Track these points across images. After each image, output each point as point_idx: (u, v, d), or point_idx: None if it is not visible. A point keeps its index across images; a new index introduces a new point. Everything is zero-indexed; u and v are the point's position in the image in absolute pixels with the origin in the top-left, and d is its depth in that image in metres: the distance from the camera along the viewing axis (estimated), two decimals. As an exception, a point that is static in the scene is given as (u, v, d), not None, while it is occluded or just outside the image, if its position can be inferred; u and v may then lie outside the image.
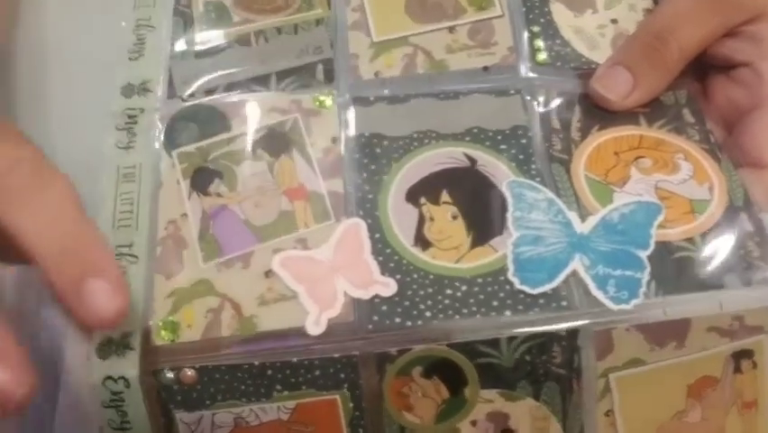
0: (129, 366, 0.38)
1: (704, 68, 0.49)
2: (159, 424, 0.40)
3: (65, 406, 0.44)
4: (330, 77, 0.48)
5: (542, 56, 0.48)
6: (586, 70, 0.48)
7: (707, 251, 0.41)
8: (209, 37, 0.50)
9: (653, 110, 0.47)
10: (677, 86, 0.48)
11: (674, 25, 0.47)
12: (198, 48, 0.49)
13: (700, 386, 0.41)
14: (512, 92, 0.47)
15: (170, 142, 0.45)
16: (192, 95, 0.47)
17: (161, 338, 0.39)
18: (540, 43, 0.49)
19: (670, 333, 0.39)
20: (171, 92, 0.47)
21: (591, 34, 0.49)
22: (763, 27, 0.47)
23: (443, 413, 0.40)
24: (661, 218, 0.42)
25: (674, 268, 0.40)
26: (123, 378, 0.38)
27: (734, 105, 0.47)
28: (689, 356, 0.40)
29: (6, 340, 0.34)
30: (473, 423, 0.41)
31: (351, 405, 0.40)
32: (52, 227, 0.36)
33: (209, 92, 0.47)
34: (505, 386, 0.40)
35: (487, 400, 0.40)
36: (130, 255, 0.41)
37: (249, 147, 0.45)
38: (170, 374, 0.39)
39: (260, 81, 0.47)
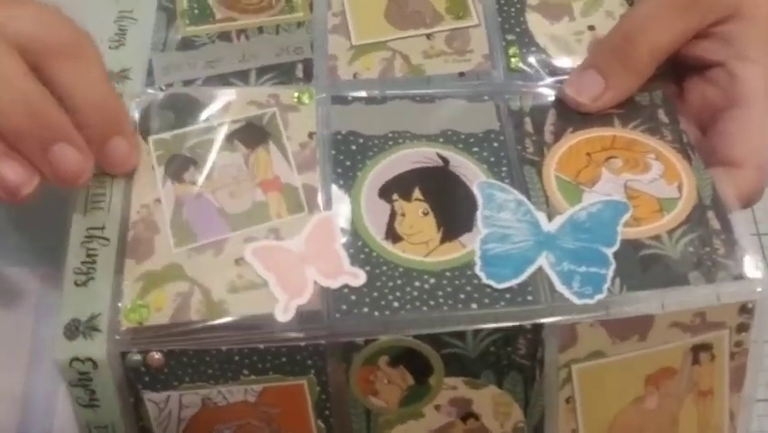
0: (96, 348, 0.38)
1: (680, 69, 0.49)
2: (127, 402, 0.40)
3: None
4: (309, 75, 0.48)
5: (516, 62, 0.49)
6: (561, 75, 0.48)
7: (673, 248, 0.42)
8: (191, 32, 0.50)
9: (627, 111, 0.47)
10: (652, 87, 0.48)
11: (644, 27, 0.47)
12: (179, 41, 0.49)
13: (659, 377, 0.41)
14: (486, 98, 0.48)
15: (146, 128, 0.45)
16: (170, 85, 0.47)
17: (129, 321, 0.39)
18: (515, 50, 0.49)
19: (633, 328, 0.40)
20: (150, 81, 0.47)
21: (567, 41, 0.50)
22: (735, 27, 0.47)
23: (407, 398, 0.41)
24: (627, 216, 0.42)
25: (640, 265, 0.41)
26: (90, 359, 0.38)
27: (708, 105, 0.47)
28: (649, 349, 0.40)
29: (71, 127, 0.39)
30: (437, 407, 0.41)
31: (317, 389, 0.40)
32: (88, 85, 0.40)
33: (188, 83, 0.47)
34: (469, 375, 0.40)
35: (451, 387, 0.40)
36: (101, 238, 0.41)
37: (225, 138, 0.45)
38: (137, 357, 0.39)
39: (240, 76, 0.48)
